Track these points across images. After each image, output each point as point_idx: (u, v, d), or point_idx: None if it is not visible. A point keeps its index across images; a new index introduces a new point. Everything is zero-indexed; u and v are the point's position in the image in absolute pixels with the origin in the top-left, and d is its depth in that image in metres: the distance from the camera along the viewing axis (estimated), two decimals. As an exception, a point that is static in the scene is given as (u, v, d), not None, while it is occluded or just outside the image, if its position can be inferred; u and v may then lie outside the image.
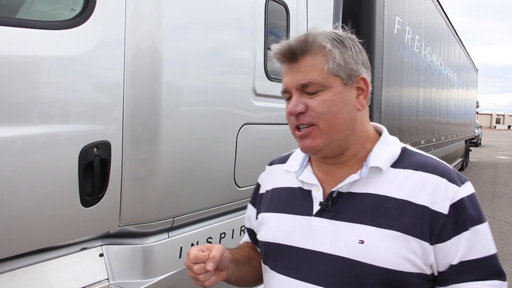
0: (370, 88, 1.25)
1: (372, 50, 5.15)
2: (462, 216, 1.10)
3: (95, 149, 2.08)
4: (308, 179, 1.27)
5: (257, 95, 3.12)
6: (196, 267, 1.21)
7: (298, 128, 1.20)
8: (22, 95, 1.83)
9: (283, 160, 1.46)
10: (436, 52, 9.18)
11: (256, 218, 1.44)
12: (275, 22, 3.36)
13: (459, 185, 1.13)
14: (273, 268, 1.29)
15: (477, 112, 38.99)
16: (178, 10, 2.43)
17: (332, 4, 4.29)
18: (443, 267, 1.11)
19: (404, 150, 1.23)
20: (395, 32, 5.86)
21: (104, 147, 2.12)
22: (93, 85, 2.09)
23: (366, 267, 1.09)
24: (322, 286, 1.14)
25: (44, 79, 1.91)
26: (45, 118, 1.91)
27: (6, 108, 1.79)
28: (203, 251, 1.22)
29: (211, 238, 2.87)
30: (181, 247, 2.64)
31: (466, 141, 17.34)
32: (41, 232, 2.01)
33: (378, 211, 1.13)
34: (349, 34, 1.26)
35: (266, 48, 3.19)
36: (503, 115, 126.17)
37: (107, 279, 2.35)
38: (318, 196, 1.23)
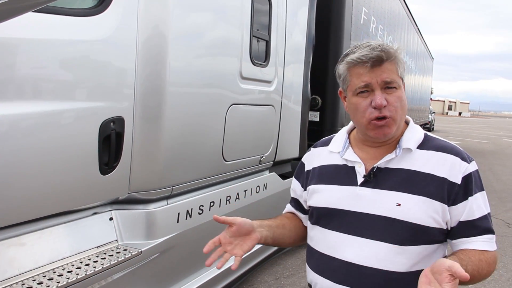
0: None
1: (341, 39, 5.54)
2: (469, 186, 1.46)
3: (112, 124, 2.36)
4: (352, 158, 1.60)
5: (243, 78, 3.44)
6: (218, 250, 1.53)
7: (377, 118, 1.47)
8: (53, 75, 2.09)
9: (326, 143, 1.76)
10: (396, 40, 9.70)
11: (305, 190, 1.76)
12: (259, 11, 3.67)
13: (468, 163, 1.48)
14: (325, 226, 1.62)
15: (431, 99, 40.42)
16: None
17: (307, -5, 4.64)
18: (454, 223, 1.47)
19: (426, 136, 1.60)
20: (362, 22, 6.27)
21: (119, 122, 2.40)
22: (112, 65, 2.35)
23: (402, 223, 1.43)
24: (368, 238, 1.49)
25: (72, 61, 2.16)
26: (73, 95, 2.18)
27: (40, 86, 2.05)
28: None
29: (202, 206, 3.20)
30: (179, 213, 2.96)
31: (420, 126, 18.20)
32: (66, 196, 2.28)
33: (410, 181, 1.47)
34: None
35: (252, 35, 3.50)
36: (455, 102, 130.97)
37: (116, 240, 2.64)
38: (361, 171, 1.55)
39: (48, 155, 2.11)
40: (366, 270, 1.43)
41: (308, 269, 1.70)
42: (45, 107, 2.06)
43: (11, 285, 2.04)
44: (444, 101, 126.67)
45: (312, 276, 1.66)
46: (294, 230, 1.81)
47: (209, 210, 3.29)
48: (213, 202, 3.34)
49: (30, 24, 1.95)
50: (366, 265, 1.46)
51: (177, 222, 2.95)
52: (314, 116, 5.74)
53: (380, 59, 1.46)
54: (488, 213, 1.50)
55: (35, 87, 2.04)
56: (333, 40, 5.50)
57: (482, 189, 1.51)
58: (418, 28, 14.19)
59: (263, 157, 4.05)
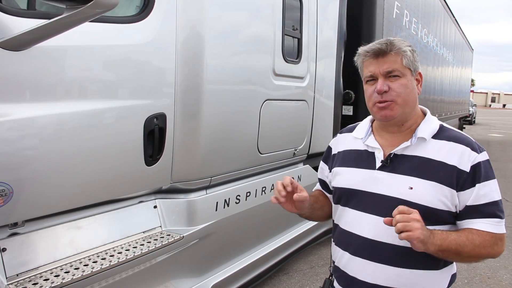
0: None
1: (373, 34, 5.62)
2: (478, 174, 1.58)
3: (155, 119, 2.59)
4: (373, 144, 1.78)
5: (276, 75, 3.62)
6: (281, 189, 1.71)
7: (379, 102, 1.66)
8: (104, 77, 2.33)
9: (351, 129, 1.95)
10: (432, 33, 9.62)
11: (330, 171, 1.95)
12: (291, 8, 3.83)
13: (478, 153, 1.61)
14: (345, 205, 1.81)
15: (472, 91, 39.30)
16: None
17: (338, -9, 4.77)
18: (461, 207, 1.60)
19: (441, 127, 1.74)
20: (394, 16, 6.32)
21: (162, 118, 2.63)
22: (154, 66, 2.58)
23: (413, 205, 1.56)
24: (382, 217, 1.60)
25: (120, 63, 2.40)
26: (121, 94, 2.42)
27: (95, 87, 2.29)
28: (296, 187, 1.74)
29: (239, 196, 3.41)
30: (217, 202, 3.18)
31: (460, 118, 17.86)
32: (116, 185, 2.53)
33: (423, 168, 1.62)
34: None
35: (284, 33, 3.67)
36: (499, 94, 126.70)
37: (160, 226, 2.88)
38: (380, 156, 1.72)
39: (101, 148, 2.36)
40: (379, 244, 1.59)
41: (332, 244, 1.88)
42: (99, 105, 2.31)
43: (70, 262, 2.31)
44: (486, 93, 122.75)
45: (335, 249, 1.84)
46: (327, 210, 2.02)
47: (246, 200, 3.49)
48: (249, 192, 3.54)
49: (83, 32, 2.19)
50: (379, 240, 1.63)
51: (216, 210, 3.17)
52: (348, 110, 5.85)
53: (382, 51, 1.64)
54: (499, 200, 1.62)
55: (91, 88, 2.29)
56: (365, 35, 5.59)
57: (492, 178, 1.63)
58: (455, 19, 13.93)
59: (297, 150, 4.22)
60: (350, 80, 5.39)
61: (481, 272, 4.84)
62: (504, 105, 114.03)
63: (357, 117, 5.81)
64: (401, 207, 1.46)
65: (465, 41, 17.45)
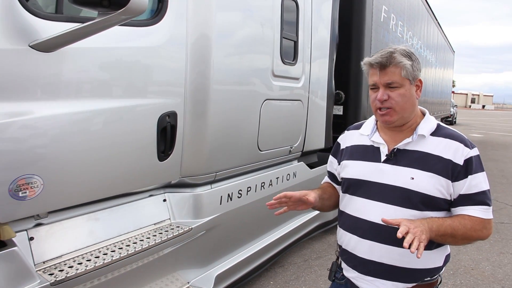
0: (423, 85, 1.96)
1: (362, 37, 5.85)
2: (470, 167, 1.79)
3: (167, 117, 2.75)
4: (378, 140, 2.00)
5: (275, 76, 3.81)
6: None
7: (380, 109, 1.88)
8: (122, 77, 2.48)
9: (357, 127, 2.16)
10: (416, 35, 9.92)
11: (339, 164, 2.16)
12: (288, 12, 4.02)
13: (470, 149, 1.82)
14: (353, 194, 2.02)
15: (453, 92, 40.11)
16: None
17: (331, -4, 4.98)
18: (455, 195, 1.81)
19: (438, 125, 1.96)
20: (382, 20, 6.55)
21: (173, 116, 2.79)
22: (168, 67, 2.74)
23: (414, 193, 1.80)
24: (387, 204, 1.84)
25: (137, 64, 2.55)
26: (138, 93, 2.57)
27: (112, 86, 2.44)
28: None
29: (241, 190, 3.58)
30: (221, 196, 3.35)
31: (441, 119, 18.28)
32: (132, 179, 2.68)
33: (422, 161, 1.82)
34: (413, 50, 1.92)
35: (282, 36, 3.86)
36: (478, 95, 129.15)
37: (169, 218, 3.04)
38: (384, 151, 1.93)
39: (120, 143, 2.50)
40: (385, 227, 1.79)
41: (339, 230, 2.08)
42: (116, 104, 2.45)
43: (91, 251, 2.46)
44: (467, 94, 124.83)
45: (342, 234, 2.04)
46: (335, 200, 2.23)
47: (247, 194, 3.67)
48: (250, 187, 3.72)
49: (103, 34, 2.33)
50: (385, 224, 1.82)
51: (220, 204, 3.34)
52: (338, 110, 6.07)
53: (383, 64, 1.85)
54: (487, 190, 1.85)
55: (108, 87, 2.42)
56: (355, 38, 5.82)
57: (481, 170, 1.85)
58: (437, 22, 14.30)
59: (293, 148, 4.42)
60: (340, 81, 5.61)
61: (465, 264, 5.10)
62: (483, 106, 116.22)
63: (346, 116, 6.04)
64: (401, 229, 1.60)
65: (447, 43, 17.88)
